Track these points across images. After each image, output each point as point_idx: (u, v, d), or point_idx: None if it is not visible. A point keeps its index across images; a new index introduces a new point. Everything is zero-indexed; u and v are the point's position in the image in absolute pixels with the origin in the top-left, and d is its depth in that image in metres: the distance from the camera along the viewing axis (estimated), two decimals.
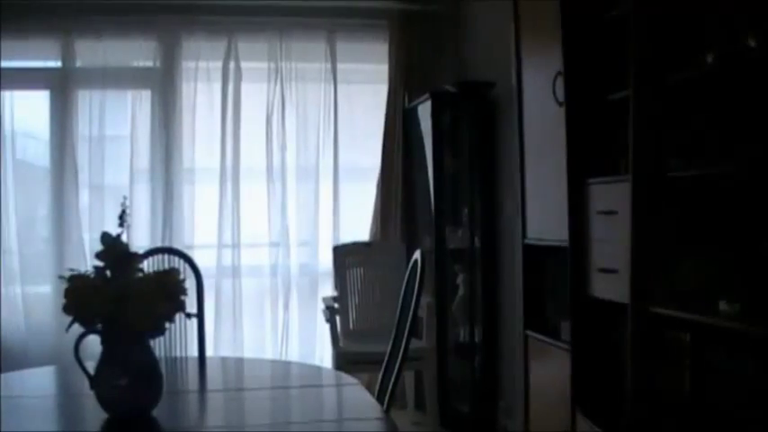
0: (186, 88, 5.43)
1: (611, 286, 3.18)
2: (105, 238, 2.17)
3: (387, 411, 2.51)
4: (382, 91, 5.54)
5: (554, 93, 3.51)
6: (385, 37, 5.55)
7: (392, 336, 2.77)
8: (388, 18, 5.53)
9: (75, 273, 2.18)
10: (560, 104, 3.47)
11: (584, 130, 3.39)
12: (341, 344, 4.92)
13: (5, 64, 5.34)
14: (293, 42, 5.49)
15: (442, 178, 5.06)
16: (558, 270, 3.64)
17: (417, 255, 2.72)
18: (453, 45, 5.48)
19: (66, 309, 2.14)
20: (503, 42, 4.28)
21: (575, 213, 3.41)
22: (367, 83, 5.65)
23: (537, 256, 3.89)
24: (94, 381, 2.22)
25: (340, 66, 5.55)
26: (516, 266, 4.14)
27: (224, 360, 3.61)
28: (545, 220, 3.76)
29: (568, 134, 3.42)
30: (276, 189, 5.48)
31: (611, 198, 3.17)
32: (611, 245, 3.17)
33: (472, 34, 5.32)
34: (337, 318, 5.03)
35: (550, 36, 3.54)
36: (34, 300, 5.29)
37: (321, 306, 5.17)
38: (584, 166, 3.38)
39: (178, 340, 3.38)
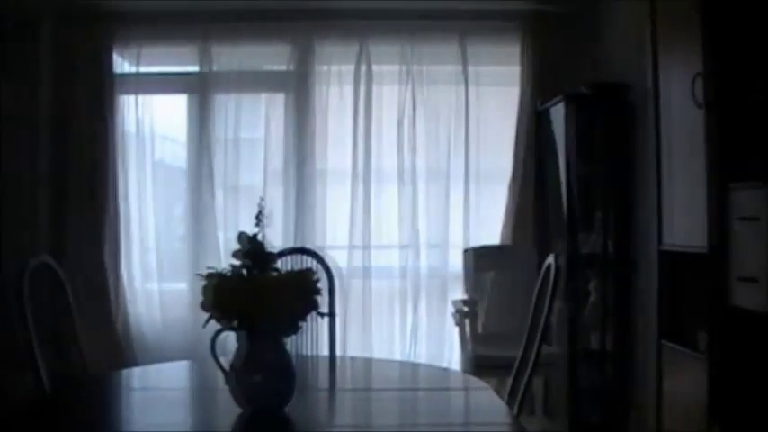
0: (319, 91, 5.51)
1: (751, 295, 3.05)
2: (243, 237, 2.22)
3: (517, 416, 2.48)
4: (514, 93, 5.48)
5: (693, 94, 3.40)
6: (517, 38, 5.49)
7: (523, 340, 2.73)
8: (521, 19, 5.47)
9: (213, 271, 2.24)
10: (700, 106, 3.35)
11: (725, 133, 3.27)
12: (470, 347, 4.89)
13: (146, 69, 5.57)
14: (425, 45, 5.49)
15: (574, 182, 4.96)
16: (695, 278, 3.51)
17: (551, 259, 2.68)
18: (587, 46, 5.37)
19: (204, 306, 2.20)
20: (638, 42, 4.18)
21: (714, 219, 3.29)
22: (498, 85, 5.59)
23: (673, 262, 3.77)
24: (229, 376, 2.27)
25: (471, 68, 5.52)
26: (651, 273, 4.02)
27: (353, 360, 3.64)
28: (682, 225, 3.64)
29: (709, 137, 3.30)
30: (407, 191, 5.49)
31: (754, 204, 3.04)
32: (753, 252, 3.04)
33: (606, 34, 5.21)
34: (467, 321, 5.00)
35: (689, 35, 3.43)
36: (170, 296, 5.49)
37: (451, 309, 5.15)
38: (725, 170, 3.26)
39: (310, 339, 3.43)
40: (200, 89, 5.54)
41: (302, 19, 5.49)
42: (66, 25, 5.42)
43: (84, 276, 5.16)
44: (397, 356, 5.37)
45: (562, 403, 4.92)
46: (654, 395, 3.88)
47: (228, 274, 2.23)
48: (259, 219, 2.25)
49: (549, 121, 5.26)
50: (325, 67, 5.51)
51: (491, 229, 5.48)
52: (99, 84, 5.45)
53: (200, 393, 2.94)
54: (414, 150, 5.50)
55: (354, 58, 5.49)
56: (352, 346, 5.37)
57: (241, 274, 2.22)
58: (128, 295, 5.47)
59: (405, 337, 5.48)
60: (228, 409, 2.29)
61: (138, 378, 3.19)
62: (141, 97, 5.57)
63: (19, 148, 5.37)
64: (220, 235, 5.43)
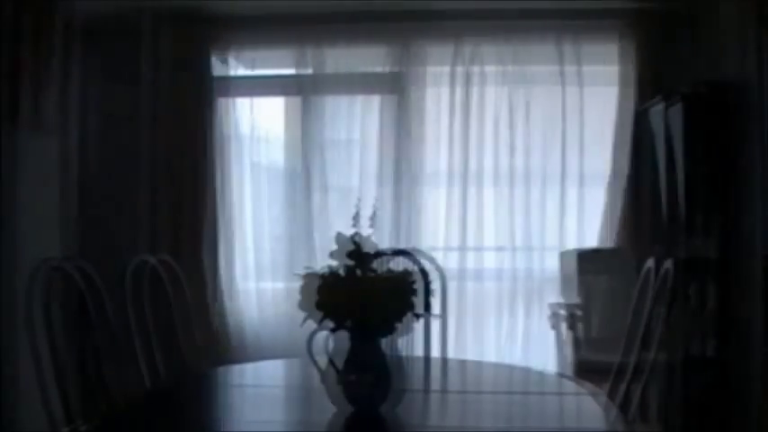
0: (415, 92, 5.50)
1: None
2: (341, 238, 2.24)
3: (625, 422, 2.43)
4: (613, 93, 5.37)
5: None
6: (616, 37, 5.37)
7: (624, 346, 2.68)
8: (620, 18, 5.34)
9: (311, 271, 2.25)
10: None
11: None
12: (581, 351, 4.83)
13: (246, 72, 5.66)
14: (521, 45, 5.42)
15: (675, 184, 4.84)
16: None
17: (651, 263, 2.62)
18: (689, 44, 5.23)
19: (302, 305, 2.22)
20: (743, 41, 4.06)
21: None
22: (597, 85, 5.47)
23: None
24: (326, 375, 2.28)
25: (569, 68, 5.43)
26: (755, 278, 3.90)
27: (461, 362, 3.63)
28: None
29: None
30: (517, 193, 5.43)
31: None
32: None
33: (709, 32, 5.06)
34: (564, 324, 4.93)
35: None
36: (269, 295, 5.55)
37: (547, 312, 5.09)
38: None
39: (419, 340, 3.43)
40: (299, 92, 5.58)
41: (400, 20, 5.49)
42: (167, 28, 5.54)
43: (198, 274, 5.28)
44: (505, 360, 5.31)
45: (661, 410, 4.81)
46: (757, 404, 3.77)
47: (326, 274, 2.25)
48: (363, 220, 2.26)
49: (649, 122, 5.14)
50: (422, 69, 5.49)
51: (589, 232, 5.38)
52: (199, 86, 5.55)
53: (298, 392, 2.97)
54: (522, 151, 5.44)
55: (452, 58, 5.46)
56: (450, 347, 5.33)
57: (339, 275, 2.23)
58: (226, 294, 5.56)
59: (503, 339, 5.43)
60: (325, 408, 2.31)
61: (237, 376, 3.24)
62: (241, 100, 5.66)
63: (122, 149, 5.53)
64: (316, 236, 5.48)
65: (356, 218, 2.29)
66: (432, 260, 3.53)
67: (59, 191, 4.26)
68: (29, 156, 3.84)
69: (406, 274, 2.32)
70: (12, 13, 3.67)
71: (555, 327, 4.91)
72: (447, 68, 5.48)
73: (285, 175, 5.64)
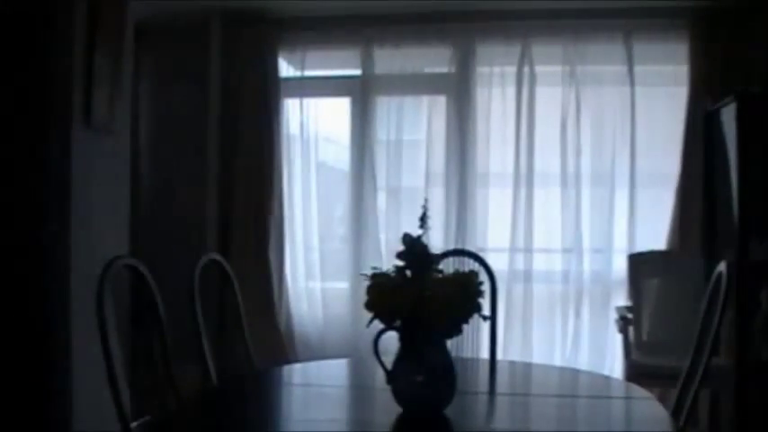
0: (481, 93, 5.49)
1: None
2: (406, 238, 2.24)
3: (683, 429, 2.39)
4: (681, 93, 5.28)
5: None
6: (684, 36, 5.28)
7: (691, 351, 2.63)
8: (688, 16, 5.26)
9: (377, 271, 2.26)
10: None
11: None
12: (633, 355, 4.76)
13: (310, 73, 5.70)
14: (589, 45, 5.37)
15: (747, 186, 4.74)
16: None
17: (722, 267, 2.57)
18: (759, 43, 5.12)
19: (368, 305, 2.23)
20: None
21: None
22: (665, 85, 5.40)
23: None
24: (392, 376, 2.29)
25: (637, 68, 5.35)
26: None
27: (512, 364, 3.61)
28: None
29: None
30: (570, 194, 5.39)
31: None
32: None
33: None
34: (630, 328, 4.87)
35: None
36: (332, 295, 5.59)
37: (614, 315, 5.03)
38: None
39: (469, 341, 3.42)
40: (363, 92, 5.62)
41: (463, 21, 5.48)
42: (234, 29, 5.62)
43: (250, 274, 5.33)
44: (557, 362, 5.28)
45: (729, 418, 4.72)
46: None
47: (392, 274, 2.25)
48: (423, 221, 2.26)
49: (720, 123, 5.04)
50: (486, 69, 5.48)
51: (656, 234, 5.30)
52: (264, 87, 5.61)
53: (360, 392, 2.97)
54: (577, 152, 5.39)
55: (516, 59, 5.43)
56: (512, 350, 5.32)
57: (405, 275, 2.24)
58: (291, 293, 5.61)
59: (565, 342, 5.38)
60: (388, 408, 2.31)
61: (299, 374, 3.26)
62: (305, 100, 5.70)
63: (189, 148, 5.61)
64: (381, 236, 5.49)
65: (423, 218, 2.28)
66: (483, 261, 3.50)
67: (127, 191, 4.34)
68: (98, 156, 3.91)
69: (473, 275, 2.31)
70: (83, 14, 3.74)
71: (608, 330, 4.85)
72: (513, 68, 5.46)
73: (351, 176, 5.68)
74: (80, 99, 3.73)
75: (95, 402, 3.46)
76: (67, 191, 3.61)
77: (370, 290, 2.22)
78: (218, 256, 3.35)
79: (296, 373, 3.31)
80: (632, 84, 5.34)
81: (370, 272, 2.28)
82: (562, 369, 3.63)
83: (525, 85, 5.43)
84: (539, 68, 5.44)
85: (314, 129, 5.71)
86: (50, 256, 3.55)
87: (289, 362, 4.96)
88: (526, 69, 5.44)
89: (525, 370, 3.63)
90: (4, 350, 3.47)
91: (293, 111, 5.70)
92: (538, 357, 5.28)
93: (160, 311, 2.80)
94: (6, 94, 3.52)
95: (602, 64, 5.40)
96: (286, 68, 5.72)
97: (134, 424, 2.55)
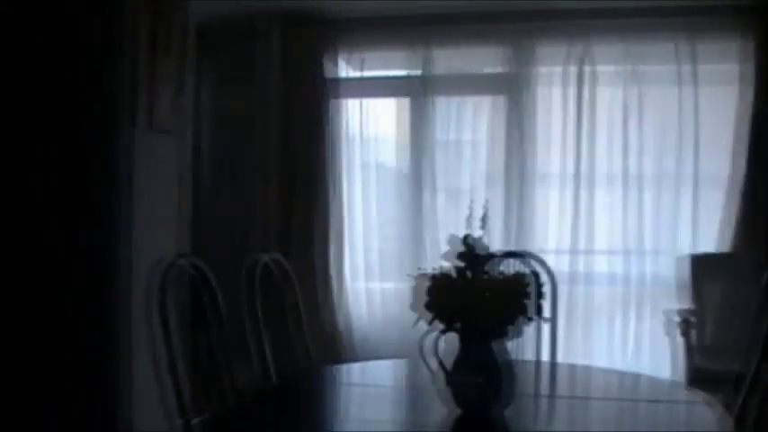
0: (540, 93, 5.44)
1: None
2: (466, 240, 2.23)
3: None
4: (731, 92, 5.18)
5: None
6: (745, 35, 5.16)
7: (756, 356, 2.58)
8: (749, 15, 5.15)
9: (437, 272, 2.26)
10: None
11: None
12: (695, 359, 4.69)
13: (369, 74, 5.71)
14: (650, 44, 5.29)
15: None
16: None
17: None
18: None
19: (428, 306, 2.23)
20: None
21: None
22: (725, 84, 5.28)
23: None
24: (450, 377, 2.28)
25: (686, 67, 5.24)
26: None
27: (572, 366, 3.57)
28: None
29: None
30: (631, 195, 5.31)
31: None
32: None
33: None
34: (693, 332, 4.79)
35: None
36: (388, 295, 5.59)
37: (676, 318, 4.95)
38: None
39: (530, 344, 3.40)
40: (420, 92, 5.60)
41: (522, 20, 5.44)
42: (293, 30, 5.64)
43: (308, 274, 5.36)
44: (617, 365, 5.21)
45: None
46: None
47: (438, 275, 2.25)
48: (483, 221, 2.26)
49: None
50: (546, 69, 5.43)
51: (714, 236, 5.21)
52: (323, 87, 5.63)
53: (407, 392, 2.98)
54: (638, 153, 5.31)
55: (574, 58, 5.37)
56: (572, 352, 5.26)
57: (451, 276, 2.23)
58: (349, 293, 5.63)
59: (626, 345, 5.31)
60: (434, 409, 2.32)
61: (357, 374, 3.27)
62: (364, 101, 5.72)
63: (249, 149, 5.67)
64: (438, 236, 5.48)
65: (469, 219, 2.28)
66: (543, 263, 3.48)
67: (176, 190, 4.38)
68: (160, 156, 3.96)
69: (519, 276, 2.29)
70: (146, 17, 3.79)
71: (669, 333, 4.77)
72: (560, 68, 5.40)
73: (396, 176, 5.69)
74: (143, 100, 3.78)
75: (156, 400, 3.52)
76: (130, 191, 3.66)
77: (429, 290, 2.22)
78: (278, 256, 3.38)
79: (353, 372, 3.32)
80: (695, 83, 5.24)
81: (429, 272, 2.28)
82: (622, 372, 3.58)
83: (586, 85, 5.37)
84: (599, 68, 5.37)
85: (372, 129, 5.72)
86: (113, 256, 3.61)
87: (346, 361, 4.97)
88: (587, 69, 5.37)
89: (585, 373, 3.59)
90: (67, 348, 3.54)
91: (352, 111, 5.71)
92: (598, 360, 5.21)
93: (221, 310, 2.83)
94: (71, 95, 3.59)
95: (665, 63, 5.31)
96: (345, 69, 5.73)
97: (194, 421, 2.57)
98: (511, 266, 3.40)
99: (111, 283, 3.59)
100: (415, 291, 2.27)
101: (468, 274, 2.24)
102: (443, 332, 2.25)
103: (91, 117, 3.60)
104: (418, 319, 2.24)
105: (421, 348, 2.29)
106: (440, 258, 5.09)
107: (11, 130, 3.58)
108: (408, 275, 2.31)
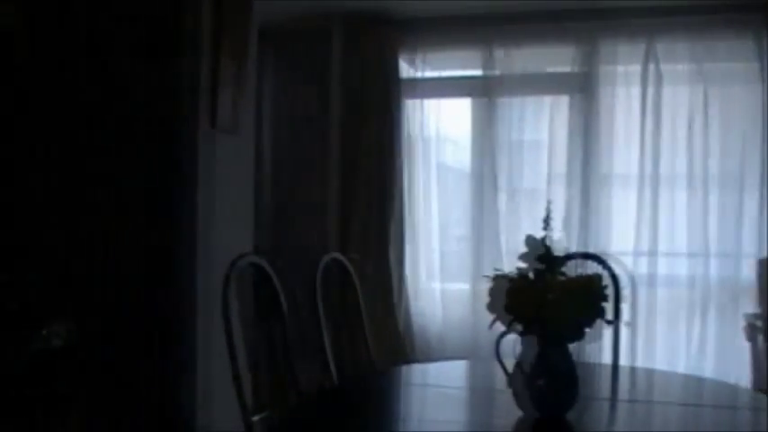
0: (605, 93, 5.36)
1: None
2: (531, 240, 2.21)
3: None
4: None
5: None
6: None
7: None
8: None
9: (500, 273, 2.24)
10: None
11: None
12: (762, 365, 4.59)
13: (431, 74, 5.71)
14: (717, 41, 5.18)
15: None
16: None
17: None
18: None
19: (491, 307, 2.21)
20: None
21: None
22: None
23: None
24: (513, 379, 2.26)
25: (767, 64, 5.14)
26: None
27: (635, 370, 3.53)
28: None
29: None
30: (697, 197, 5.20)
31: None
32: None
33: None
34: (760, 337, 4.68)
35: None
36: (452, 295, 5.57)
37: (742, 323, 4.85)
38: None
39: (592, 346, 3.36)
40: (484, 92, 5.57)
41: (586, 19, 5.37)
42: (355, 30, 5.66)
43: (370, 273, 5.37)
44: (682, 369, 5.12)
45: None
46: None
47: (515, 276, 2.23)
48: (546, 222, 2.23)
49: None
50: (611, 68, 5.35)
51: None
52: (385, 87, 5.63)
53: (480, 393, 2.96)
54: (705, 153, 5.20)
55: (641, 57, 5.28)
56: (635, 355, 5.19)
57: (528, 278, 2.21)
58: (410, 293, 5.62)
59: (690, 349, 5.21)
60: (508, 411, 2.30)
61: (419, 374, 3.27)
62: (426, 101, 5.70)
63: (311, 148, 5.70)
64: (502, 238, 5.44)
65: (547, 220, 2.25)
66: (620, 265, 3.44)
67: (251, 190, 4.43)
68: (223, 156, 4.00)
69: (597, 278, 2.26)
70: (209, 17, 3.83)
71: (751, 338, 4.66)
72: (638, 67, 5.31)
73: (470, 176, 5.65)
74: (206, 100, 3.82)
75: (219, 397, 3.55)
76: (195, 191, 3.70)
77: (492, 292, 2.21)
78: (340, 255, 3.39)
79: (415, 373, 3.32)
80: (763, 81, 5.12)
81: (492, 273, 2.27)
82: (686, 376, 3.53)
83: (651, 84, 5.28)
84: (664, 66, 5.28)
85: (434, 129, 5.71)
86: (178, 255, 3.65)
87: (408, 362, 4.97)
88: (651, 67, 5.29)
89: (648, 376, 3.54)
90: (134, 346, 3.58)
91: (414, 111, 5.70)
92: (661, 364, 5.13)
93: (283, 309, 2.85)
94: (136, 95, 3.64)
95: (732, 61, 5.20)
96: (407, 69, 5.73)
97: (255, 418, 2.59)
98: (580, 268, 3.36)
99: (176, 281, 3.63)
100: (492, 292, 2.25)
101: (531, 275, 2.22)
102: (521, 334, 2.23)
103: (157, 117, 3.65)
104: (494, 321, 2.23)
105: (497, 350, 2.28)
106: (501, 259, 5.12)
107: (84, 131, 3.65)
108: (485, 276, 2.29)
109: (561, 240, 2.17)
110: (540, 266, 2.20)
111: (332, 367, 3.02)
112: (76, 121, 3.65)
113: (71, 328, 3.41)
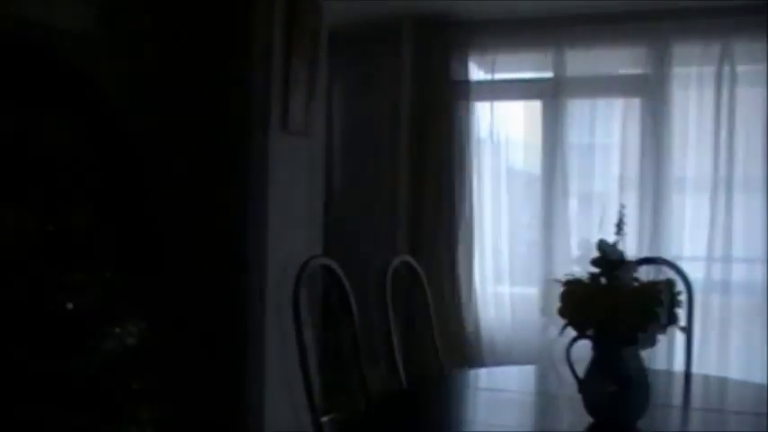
0: (677, 95, 5.26)
1: None
2: (602, 245, 2.19)
3: None
4: None
5: None
6: None
7: None
8: None
9: (571, 277, 2.22)
10: None
11: None
12: None
13: (500, 76, 5.68)
14: None
15: None
16: None
17: None
18: None
19: (561, 312, 2.20)
20: None
21: None
22: None
23: None
24: (583, 385, 2.24)
25: None
26: None
27: (707, 378, 3.46)
28: None
29: None
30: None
31: None
32: None
33: None
34: None
35: None
36: (520, 299, 5.53)
37: None
38: None
39: (663, 353, 3.31)
40: (554, 95, 5.53)
41: (658, 20, 5.29)
42: (424, 33, 5.67)
43: (438, 276, 5.37)
44: (756, 379, 4.99)
45: None
46: None
47: (575, 281, 2.21)
48: (619, 227, 2.21)
49: None
50: (683, 69, 5.26)
51: None
52: (455, 90, 5.64)
53: (548, 399, 2.94)
54: None
55: (716, 58, 5.18)
56: (707, 363, 5.07)
57: (599, 283, 2.19)
58: (479, 296, 5.60)
59: (765, 358, 5.08)
60: (577, 417, 2.27)
61: (486, 379, 3.26)
62: (495, 103, 5.68)
63: (380, 151, 5.72)
64: (572, 241, 5.39)
65: (602, 224, 2.24)
66: (679, 270, 3.37)
67: (321, 192, 4.46)
68: (294, 158, 4.03)
69: (654, 284, 2.23)
70: (281, 21, 3.86)
71: None
72: (708, 69, 5.21)
73: (527, 179, 5.64)
74: (278, 103, 3.85)
75: (288, 398, 3.59)
76: (266, 193, 3.74)
77: (563, 296, 2.19)
78: (409, 258, 3.39)
79: (483, 377, 3.32)
80: None
81: (562, 278, 2.25)
82: (760, 386, 3.44)
83: (725, 86, 5.17)
84: (740, 68, 5.16)
85: (504, 132, 5.69)
86: (250, 257, 3.69)
87: (475, 365, 4.96)
88: (726, 69, 5.18)
89: (721, 385, 3.48)
90: (206, 346, 3.64)
91: (483, 114, 5.69)
92: (735, 372, 5.01)
93: (353, 311, 2.86)
94: (209, 98, 3.70)
95: None
96: (476, 71, 5.72)
97: (324, 419, 2.61)
98: (647, 274, 3.31)
99: (246, 282, 3.67)
100: (546, 296, 2.25)
101: (602, 280, 2.20)
102: (576, 339, 2.21)
103: (230, 120, 3.70)
104: (565, 326, 2.21)
105: (567, 355, 2.26)
106: (570, 263, 5.06)
107: (155, 133, 3.71)
108: (556, 281, 2.27)
109: (630, 245, 2.15)
110: (613, 271, 2.18)
111: (400, 369, 3.02)
112: (152, 123, 3.72)
113: (144, 327, 3.47)
